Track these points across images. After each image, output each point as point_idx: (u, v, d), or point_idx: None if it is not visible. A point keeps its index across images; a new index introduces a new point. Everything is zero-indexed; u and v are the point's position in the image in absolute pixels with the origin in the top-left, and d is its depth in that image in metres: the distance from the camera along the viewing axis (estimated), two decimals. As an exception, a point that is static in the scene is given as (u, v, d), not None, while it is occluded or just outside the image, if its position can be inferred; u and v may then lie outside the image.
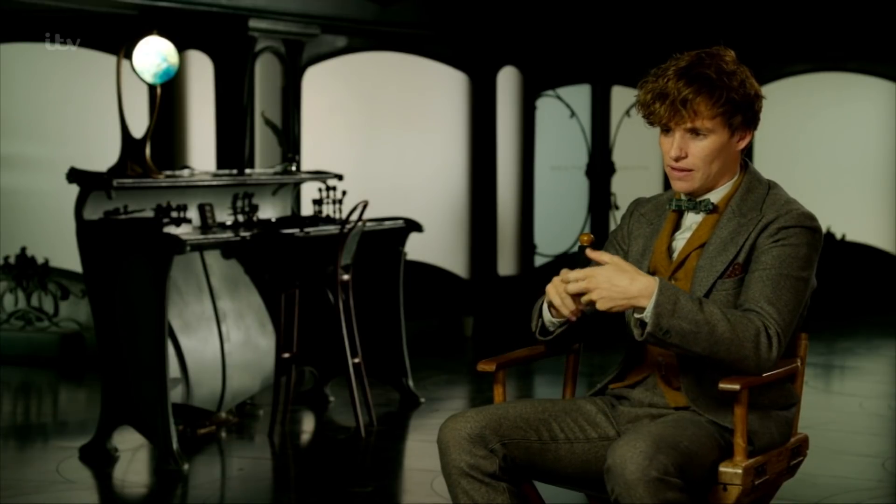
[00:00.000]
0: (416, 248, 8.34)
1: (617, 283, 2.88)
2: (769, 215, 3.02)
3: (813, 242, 3.01)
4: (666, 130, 3.05)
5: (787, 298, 2.95)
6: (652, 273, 3.09)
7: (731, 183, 3.10)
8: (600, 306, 2.90)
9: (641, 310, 2.88)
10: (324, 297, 6.22)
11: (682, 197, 3.12)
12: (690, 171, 3.05)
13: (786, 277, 2.96)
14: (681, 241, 3.12)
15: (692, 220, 3.13)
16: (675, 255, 3.10)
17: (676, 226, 3.15)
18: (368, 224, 6.40)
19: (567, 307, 2.96)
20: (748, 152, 10.94)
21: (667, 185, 3.16)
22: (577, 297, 2.95)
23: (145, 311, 5.50)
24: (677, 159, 3.04)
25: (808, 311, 3.13)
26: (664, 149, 3.06)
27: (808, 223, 3.01)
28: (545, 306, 3.09)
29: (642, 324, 2.90)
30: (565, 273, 2.95)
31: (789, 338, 2.99)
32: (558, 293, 2.96)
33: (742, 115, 3.01)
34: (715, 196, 3.10)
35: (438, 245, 9.27)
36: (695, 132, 3.02)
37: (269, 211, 6.66)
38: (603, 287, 2.88)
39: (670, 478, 2.77)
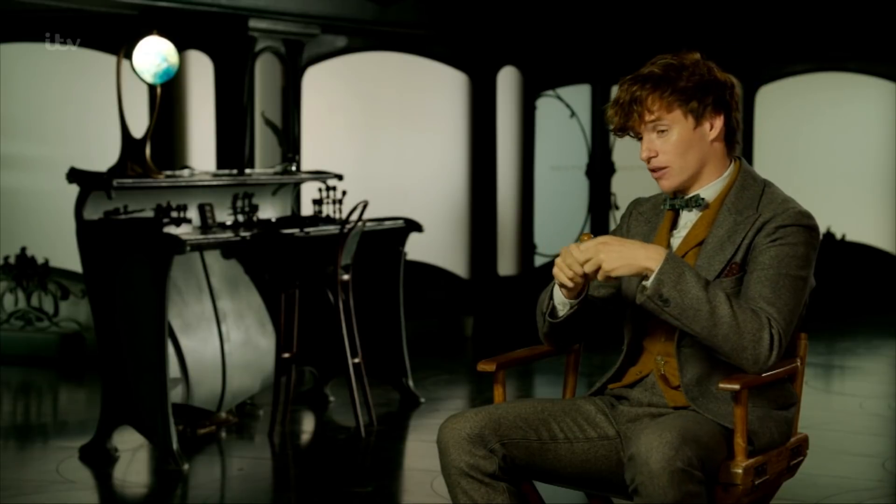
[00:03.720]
0: (416, 248, 8.34)
1: (625, 247, 2.92)
2: (766, 214, 3.02)
3: (811, 241, 3.01)
4: (639, 139, 3.09)
5: (787, 298, 2.95)
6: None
7: (722, 178, 3.11)
8: (606, 265, 2.92)
9: (648, 277, 2.91)
10: (324, 297, 6.22)
11: (676, 195, 3.13)
12: (665, 167, 3.07)
13: (785, 277, 2.96)
14: (677, 239, 3.13)
15: (687, 218, 3.14)
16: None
17: (673, 224, 3.16)
18: (368, 224, 6.40)
19: (574, 272, 2.97)
20: (747, 152, 10.97)
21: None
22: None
23: (145, 311, 5.50)
24: (649, 160, 3.07)
25: (808, 311, 3.13)
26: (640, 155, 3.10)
27: (805, 221, 3.01)
28: (556, 288, 3.11)
29: (644, 289, 2.92)
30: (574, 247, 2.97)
31: (790, 338, 2.99)
32: (565, 261, 2.98)
33: (698, 100, 3.02)
34: (707, 192, 3.10)
35: (438, 245, 9.27)
36: (657, 129, 3.04)
37: (269, 211, 6.66)
38: (612, 250, 2.92)
39: (693, 470, 2.79)
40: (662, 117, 3.03)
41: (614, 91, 3.09)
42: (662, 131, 3.04)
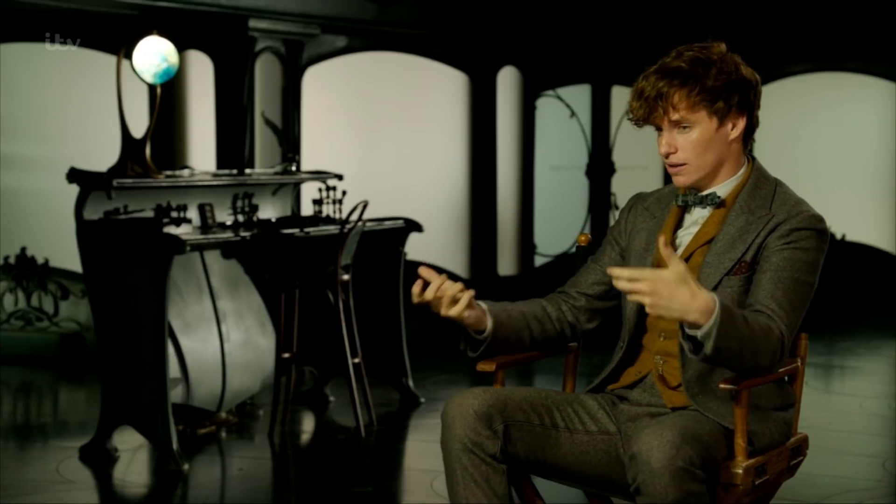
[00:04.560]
0: (416, 248, 8.33)
1: (678, 295, 2.75)
2: (780, 215, 3.01)
3: (822, 246, 3.01)
4: (659, 130, 3.05)
5: (795, 303, 2.95)
6: (656, 268, 3.09)
7: (737, 177, 3.08)
8: (651, 312, 2.79)
9: (694, 325, 2.78)
10: (324, 297, 6.22)
11: (688, 192, 3.12)
12: (684, 164, 3.05)
13: (795, 281, 2.96)
14: (686, 236, 3.11)
15: (698, 214, 3.11)
16: (681, 250, 3.09)
17: (679, 221, 3.14)
18: (368, 224, 6.40)
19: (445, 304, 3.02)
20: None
21: (667, 182, 3.15)
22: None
23: (145, 311, 5.49)
24: (667, 155, 3.05)
25: (808, 312, 3.13)
26: (658, 146, 3.07)
27: (818, 226, 3.01)
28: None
29: (693, 341, 2.81)
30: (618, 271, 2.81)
31: (791, 340, 2.99)
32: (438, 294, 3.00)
33: (724, 101, 2.99)
34: (721, 190, 3.08)
35: (438, 245, 9.27)
36: (679, 125, 3.01)
37: (269, 211, 6.66)
38: (663, 296, 2.75)
39: (695, 469, 2.78)
40: (687, 116, 2.99)
41: (626, 88, 3.06)
42: (685, 128, 3.01)
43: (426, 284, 3.03)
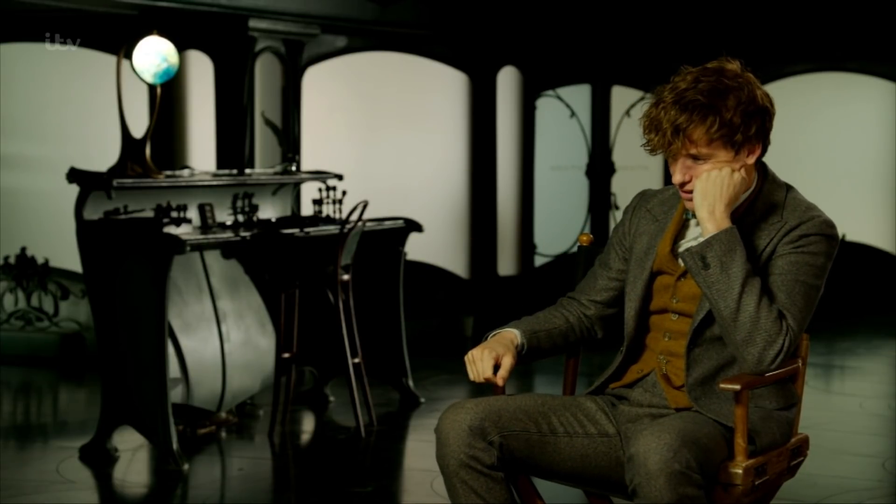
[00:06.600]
0: (416, 248, 8.34)
1: (723, 198, 2.95)
2: (791, 221, 3.00)
3: (830, 251, 3.00)
4: (672, 156, 3.02)
5: (801, 305, 2.95)
6: (657, 274, 3.09)
7: (748, 192, 3.05)
8: (696, 187, 2.97)
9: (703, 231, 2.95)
10: (324, 297, 6.22)
11: None
12: None
13: (801, 284, 2.95)
14: (691, 244, 3.08)
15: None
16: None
17: (682, 228, 3.12)
18: (368, 224, 6.40)
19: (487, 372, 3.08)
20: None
21: (667, 181, 3.14)
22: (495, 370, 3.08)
23: (145, 311, 5.50)
24: (682, 185, 3.03)
25: (809, 313, 3.12)
26: (671, 172, 3.04)
27: (828, 231, 3.00)
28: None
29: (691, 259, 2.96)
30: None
31: (796, 345, 2.98)
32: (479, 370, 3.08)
33: (742, 133, 2.95)
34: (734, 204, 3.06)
35: (438, 245, 9.27)
36: (695, 158, 2.99)
37: (269, 211, 6.66)
38: (707, 190, 2.95)
39: (692, 473, 2.78)
40: (704, 151, 2.96)
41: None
42: (700, 160, 2.98)
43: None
